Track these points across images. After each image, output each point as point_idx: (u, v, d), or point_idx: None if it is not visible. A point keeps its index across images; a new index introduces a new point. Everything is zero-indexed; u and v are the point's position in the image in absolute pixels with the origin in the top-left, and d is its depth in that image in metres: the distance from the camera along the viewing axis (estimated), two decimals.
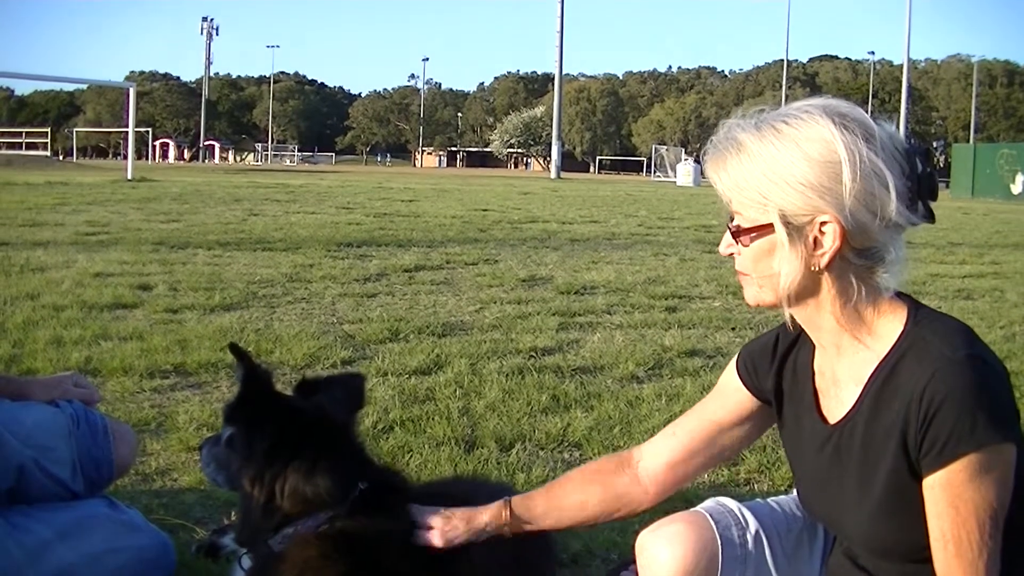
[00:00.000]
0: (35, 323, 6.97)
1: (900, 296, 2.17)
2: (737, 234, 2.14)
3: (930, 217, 2.12)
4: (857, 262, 2.09)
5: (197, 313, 7.67)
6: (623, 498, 2.66)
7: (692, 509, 2.51)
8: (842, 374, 2.22)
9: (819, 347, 2.28)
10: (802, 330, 2.30)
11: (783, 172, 2.04)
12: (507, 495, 3.09)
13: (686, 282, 10.39)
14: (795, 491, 2.66)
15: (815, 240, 2.06)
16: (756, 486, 4.27)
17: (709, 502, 2.54)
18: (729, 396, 2.54)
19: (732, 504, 2.52)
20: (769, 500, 2.63)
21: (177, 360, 5.96)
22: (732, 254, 2.20)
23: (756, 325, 7.89)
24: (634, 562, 2.62)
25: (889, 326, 2.13)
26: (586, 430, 4.84)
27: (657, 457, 2.62)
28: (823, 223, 2.04)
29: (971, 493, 1.99)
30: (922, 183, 2.09)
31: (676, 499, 3.93)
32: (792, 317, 2.26)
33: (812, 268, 2.09)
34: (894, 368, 2.09)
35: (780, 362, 2.41)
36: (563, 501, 2.70)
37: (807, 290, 2.13)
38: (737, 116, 2.17)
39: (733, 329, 7.74)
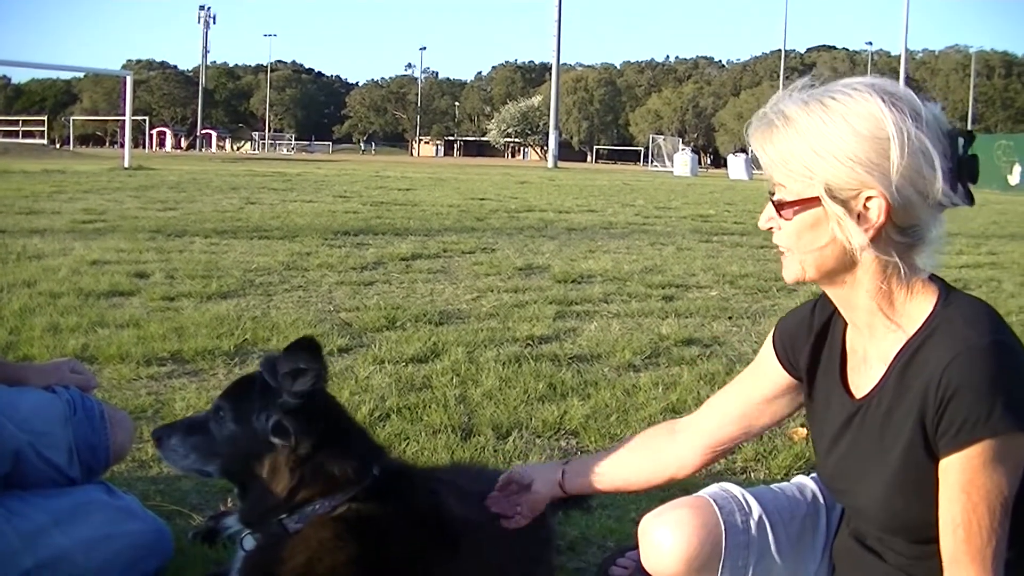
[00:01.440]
0: (32, 310, 6.96)
1: (932, 277, 2.20)
2: (780, 207, 2.14)
3: (969, 199, 2.14)
4: (898, 239, 2.11)
5: (194, 301, 7.66)
6: (668, 466, 2.76)
7: (696, 494, 2.52)
8: (872, 352, 2.24)
9: (852, 326, 2.29)
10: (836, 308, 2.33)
11: (830, 146, 2.05)
12: None
13: (683, 271, 10.39)
14: (798, 477, 2.67)
15: (859, 215, 2.07)
16: (752, 475, 4.28)
17: (713, 487, 2.56)
18: (765, 372, 2.57)
19: (736, 490, 2.54)
20: (772, 486, 2.64)
21: (174, 348, 5.96)
22: (771, 228, 2.21)
23: (753, 314, 7.90)
24: (632, 548, 2.62)
25: (920, 307, 2.15)
26: (583, 418, 4.84)
27: (699, 428, 2.70)
28: (868, 198, 2.05)
29: (983, 479, 2.00)
30: (963, 165, 2.10)
31: (675, 486, 3.95)
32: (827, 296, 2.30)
33: (851, 244, 2.10)
34: (919, 348, 2.11)
35: (817, 338, 2.42)
36: (614, 463, 2.83)
37: (847, 266, 2.14)
38: (785, 92, 2.18)
39: (730, 318, 7.74)
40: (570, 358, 6.13)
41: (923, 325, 2.13)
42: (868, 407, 2.22)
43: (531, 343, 6.53)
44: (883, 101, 2.05)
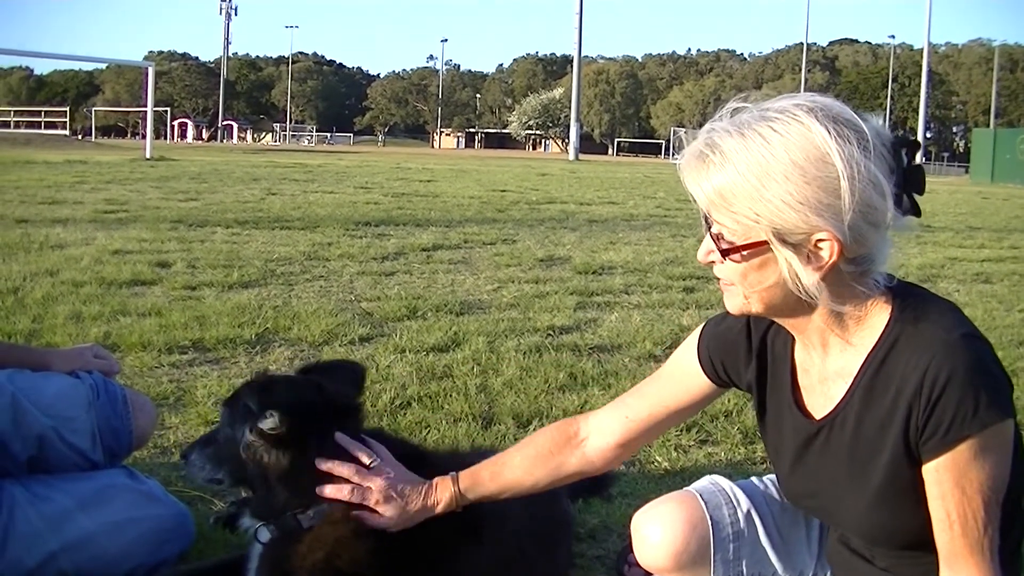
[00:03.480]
0: (54, 299, 7.00)
1: (881, 281, 2.10)
2: (727, 252, 2.03)
3: (915, 210, 2.04)
4: (850, 270, 2.02)
5: (215, 290, 7.69)
6: (572, 476, 2.67)
7: (684, 489, 2.54)
8: (829, 370, 2.17)
9: (803, 345, 2.22)
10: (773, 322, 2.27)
11: (777, 189, 1.93)
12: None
13: None
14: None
15: (809, 255, 1.97)
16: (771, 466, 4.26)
17: (702, 481, 2.56)
18: (686, 383, 2.49)
19: (724, 483, 2.54)
20: (764, 478, 2.63)
21: (195, 336, 5.99)
22: (712, 262, 2.11)
23: None
24: None
25: (875, 318, 2.08)
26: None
27: (607, 436, 2.59)
28: (819, 240, 1.95)
29: (975, 472, 1.97)
30: (908, 177, 2.02)
31: (696, 477, 3.96)
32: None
33: (803, 283, 2.00)
34: (886, 358, 2.05)
35: (759, 353, 2.34)
36: (511, 481, 2.67)
37: (796, 300, 2.05)
38: (714, 120, 2.07)
39: None
40: (591, 348, 6.13)
41: (882, 336, 2.06)
42: (832, 427, 2.17)
43: (552, 333, 6.54)
44: (827, 132, 1.92)
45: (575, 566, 3.23)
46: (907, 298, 2.09)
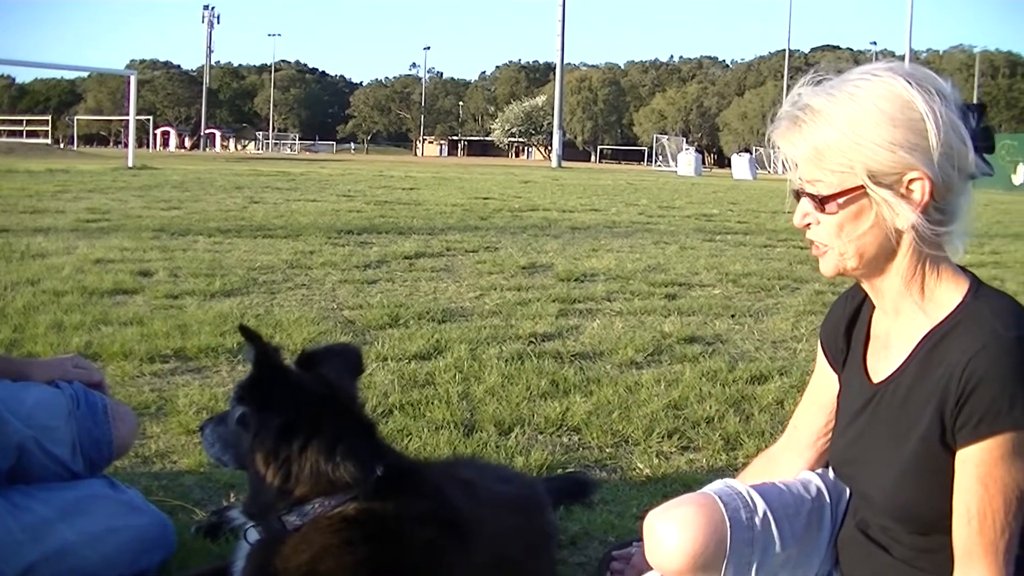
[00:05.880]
0: (36, 308, 6.97)
1: (963, 270, 2.21)
2: (824, 201, 2.14)
3: (989, 169, 2.16)
4: (936, 218, 2.11)
5: (197, 299, 7.67)
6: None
7: (701, 491, 2.52)
8: (895, 336, 2.25)
9: (880, 311, 2.31)
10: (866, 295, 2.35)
11: (869, 133, 2.06)
12: (516, 480, 3.15)
13: (686, 270, 10.39)
14: (803, 473, 2.68)
15: (903, 197, 2.08)
16: None
17: (718, 484, 2.55)
18: (823, 378, 2.58)
19: (741, 486, 2.54)
20: (777, 482, 2.64)
21: (177, 345, 5.97)
22: (808, 225, 2.21)
23: (755, 313, 7.90)
24: (637, 541, 2.62)
25: (948, 295, 2.16)
26: (585, 415, 4.84)
27: (797, 449, 2.69)
28: (912, 180, 2.07)
29: (1001, 472, 2.01)
30: (979, 137, 2.12)
31: (678, 483, 3.96)
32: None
33: (899, 226, 2.11)
34: (944, 336, 2.12)
35: (849, 323, 2.45)
36: None
37: (887, 251, 2.15)
38: (797, 89, 2.18)
39: (732, 316, 7.74)
40: (572, 355, 6.13)
41: (951, 314, 2.14)
42: (885, 392, 2.24)
43: (534, 340, 6.54)
44: (908, 83, 2.06)
45: (557, 573, 3.23)
46: (983, 288, 2.18)
